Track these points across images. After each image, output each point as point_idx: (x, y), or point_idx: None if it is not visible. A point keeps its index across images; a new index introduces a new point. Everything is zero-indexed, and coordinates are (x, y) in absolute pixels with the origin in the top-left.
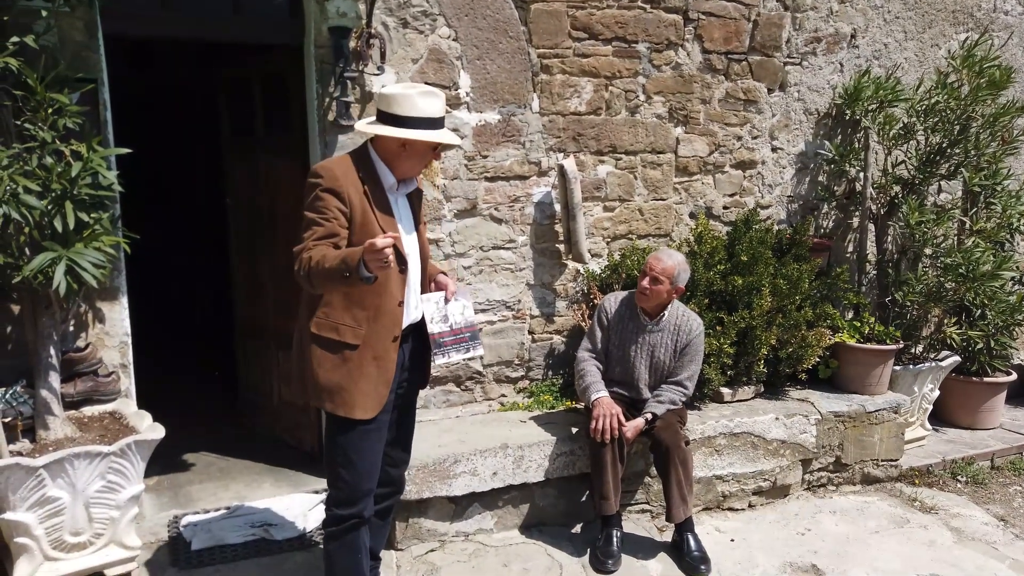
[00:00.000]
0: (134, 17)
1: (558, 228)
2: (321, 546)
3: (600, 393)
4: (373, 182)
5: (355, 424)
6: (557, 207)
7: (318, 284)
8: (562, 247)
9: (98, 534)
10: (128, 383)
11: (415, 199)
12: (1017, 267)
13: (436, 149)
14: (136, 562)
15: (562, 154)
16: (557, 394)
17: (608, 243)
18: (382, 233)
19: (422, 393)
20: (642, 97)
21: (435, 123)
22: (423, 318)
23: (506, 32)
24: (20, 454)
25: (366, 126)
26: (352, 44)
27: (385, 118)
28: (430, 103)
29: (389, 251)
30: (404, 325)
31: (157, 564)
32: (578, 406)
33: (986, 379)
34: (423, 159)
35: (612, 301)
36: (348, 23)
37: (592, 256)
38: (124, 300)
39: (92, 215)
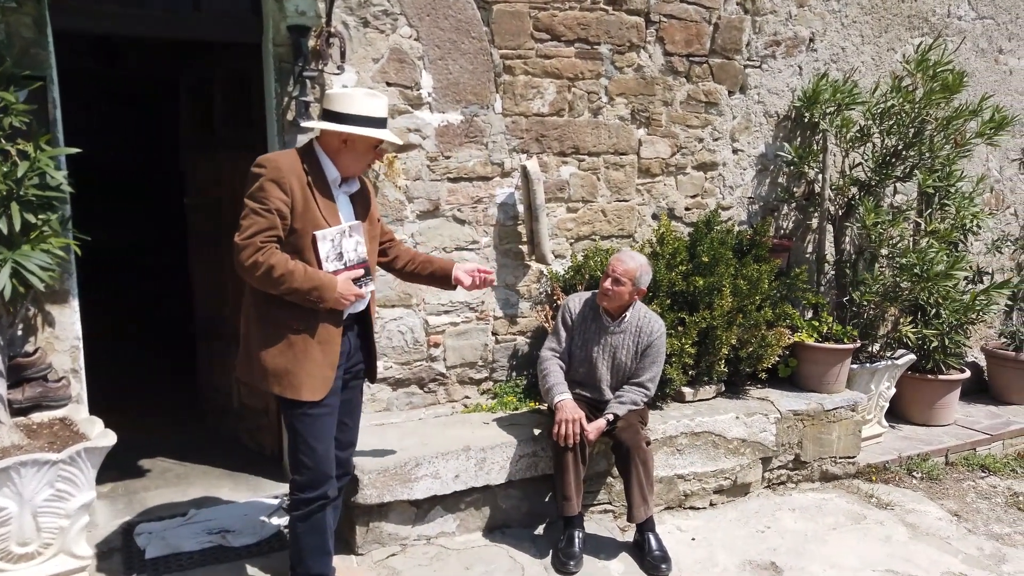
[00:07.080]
0: (86, 12)
1: (521, 229)
2: (279, 551)
3: (563, 396)
4: (317, 174)
5: (308, 409)
6: (520, 208)
7: (272, 289)
8: (525, 248)
9: (47, 544)
10: (80, 388)
11: (359, 200)
12: (970, 267)
13: (377, 148)
14: (87, 572)
15: (525, 155)
16: (521, 395)
17: (571, 244)
18: (324, 221)
19: (384, 396)
20: (605, 99)
21: (376, 122)
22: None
23: (468, 32)
24: None
25: (313, 123)
26: (311, 43)
27: (328, 115)
28: (371, 103)
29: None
30: (345, 316)
31: (110, 574)
32: (542, 407)
33: (941, 376)
34: (364, 157)
35: (576, 301)
36: (307, 22)
37: (555, 257)
38: (75, 303)
39: (40, 216)
